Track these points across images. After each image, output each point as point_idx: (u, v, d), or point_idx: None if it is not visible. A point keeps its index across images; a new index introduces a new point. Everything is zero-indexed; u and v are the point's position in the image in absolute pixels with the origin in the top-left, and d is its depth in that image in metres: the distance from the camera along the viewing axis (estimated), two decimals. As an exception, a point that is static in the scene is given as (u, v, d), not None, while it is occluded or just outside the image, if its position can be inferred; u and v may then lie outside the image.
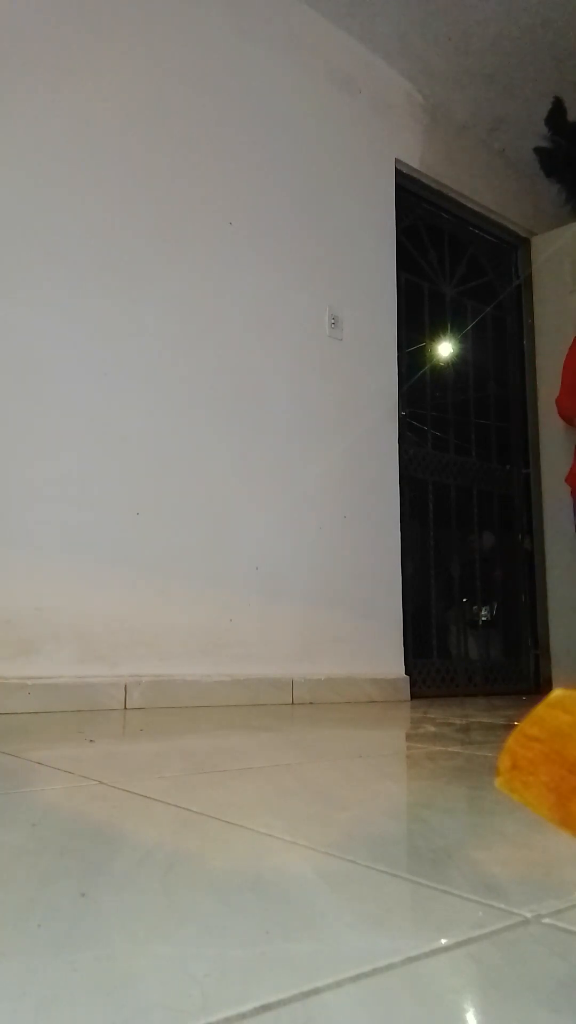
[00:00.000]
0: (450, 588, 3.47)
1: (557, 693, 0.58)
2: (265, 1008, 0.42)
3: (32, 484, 2.06)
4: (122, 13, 2.41)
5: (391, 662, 2.88)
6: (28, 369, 2.09)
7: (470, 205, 3.59)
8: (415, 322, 3.36)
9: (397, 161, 3.23)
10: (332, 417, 2.82)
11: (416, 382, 3.40)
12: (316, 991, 0.44)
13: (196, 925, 0.55)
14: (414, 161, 3.30)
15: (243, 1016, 0.41)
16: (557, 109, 3.49)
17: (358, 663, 2.74)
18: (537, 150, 3.67)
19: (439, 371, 3.57)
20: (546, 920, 0.57)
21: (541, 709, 0.58)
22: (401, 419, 3.12)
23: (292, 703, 2.47)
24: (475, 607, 3.54)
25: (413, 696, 2.90)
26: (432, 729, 1.86)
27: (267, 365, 2.63)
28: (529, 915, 0.58)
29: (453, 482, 3.42)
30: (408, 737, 1.76)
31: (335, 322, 2.88)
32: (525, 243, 3.82)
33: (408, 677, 2.92)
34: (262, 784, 1.10)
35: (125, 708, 2.08)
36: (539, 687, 3.49)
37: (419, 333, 3.42)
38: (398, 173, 3.25)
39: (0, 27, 2.15)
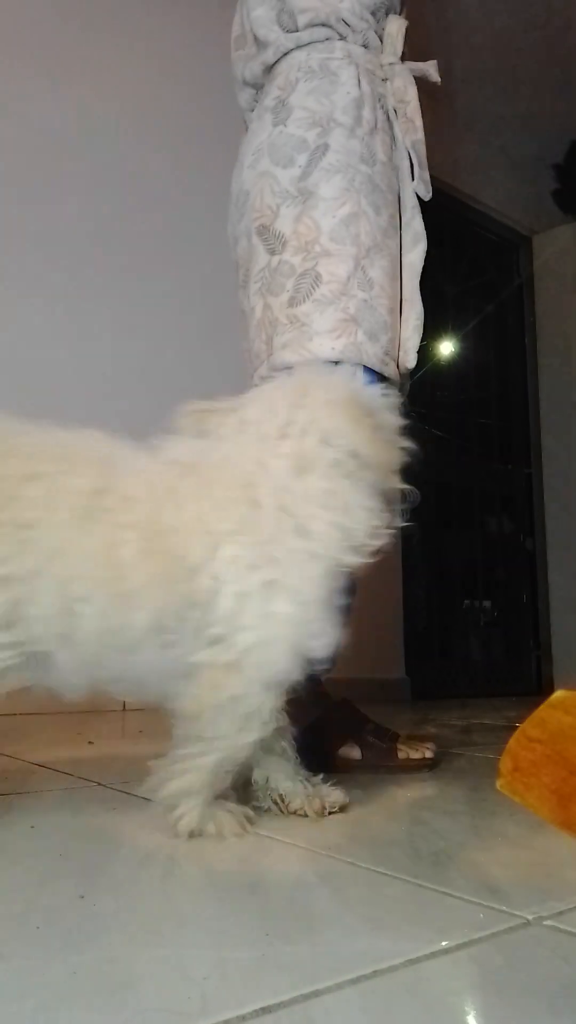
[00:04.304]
0: (451, 589, 3.47)
1: (559, 695, 0.58)
2: (265, 1011, 0.42)
3: (32, 484, 2.05)
4: (123, 10, 2.41)
5: (392, 663, 2.87)
6: (26, 367, 2.09)
7: (471, 204, 3.59)
8: (416, 322, 3.35)
9: (398, 161, 3.23)
10: (333, 417, 2.81)
11: (417, 381, 3.39)
12: (316, 993, 0.44)
13: (196, 927, 0.54)
14: (415, 161, 3.30)
15: (243, 1019, 0.41)
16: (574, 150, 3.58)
17: (358, 664, 2.73)
18: (553, 193, 3.74)
19: (440, 370, 3.56)
20: (547, 922, 0.57)
21: (543, 711, 0.58)
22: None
23: (293, 703, 2.46)
24: (476, 607, 3.54)
25: (414, 697, 2.90)
26: (433, 730, 1.85)
27: (268, 365, 2.63)
28: (530, 917, 0.58)
29: (454, 482, 3.41)
30: (409, 738, 1.75)
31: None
32: (526, 242, 3.82)
33: (409, 678, 2.91)
34: (262, 785, 1.10)
35: (124, 710, 2.08)
36: (540, 688, 3.49)
37: (420, 333, 3.41)
38: (399, 173, 3.24)
39: (0, 23, 2.15)
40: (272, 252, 1.28)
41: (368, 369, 1.26)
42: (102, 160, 2.30)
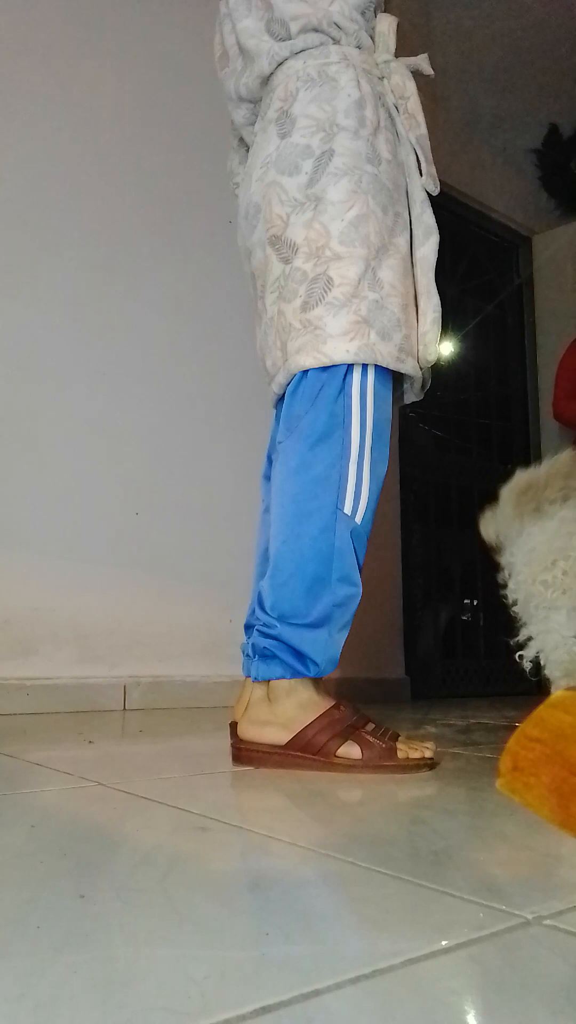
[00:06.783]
0: (451, 589, 3.47)
1: (559, 694, 0.58)
2: (265, 1010, 0.42)
3: (30, 483, 2.06)
4: (123, 10, 2.41)
5: (391, 663, 2.88)
6: (26, 368, 2.09)
7: (471, 204, 3.59)
8: (416, 322, 3.35)
9: (398, 161, 3.23)
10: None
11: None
12: (316, 993, 0.44)
13: (196, 927, 0.54)
14: (415, 161, 3.30)
15: (243, 1018, 0.41)
16: (552, 134, 3.60)
17: (358, 664, 2.74)
18: (541, 179, 3.75)
19: (440, 370, 3.56)
20: (547, 922, 0.57)
21: (542, 710, 0.58)
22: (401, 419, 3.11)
23: (292, 703, 2.46)
24: (476, 607, 3.54)
25: (413, 697, 2.90)
26: (433, 730, 1.85)
27: (267, 365, 2.63)
28: (530, 916, 0.58)
29: (454, 482, 3.41)
30: (409, 738, 1.75)
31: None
32: (526, 242, 3.82)
33: (408, 678, 2.91)
34: (262, 785, 1.10)
35: (124, 709, 2.08)
36: (540, 688, 3.48)
37: (420, 333, 3.41)
38: (399, 173, 3.24)
39: (0, 25, 2.15)
40: (285, 261, 1.29)
41: (382, 369, 1.27)
42: (103, 160, 2.30)
